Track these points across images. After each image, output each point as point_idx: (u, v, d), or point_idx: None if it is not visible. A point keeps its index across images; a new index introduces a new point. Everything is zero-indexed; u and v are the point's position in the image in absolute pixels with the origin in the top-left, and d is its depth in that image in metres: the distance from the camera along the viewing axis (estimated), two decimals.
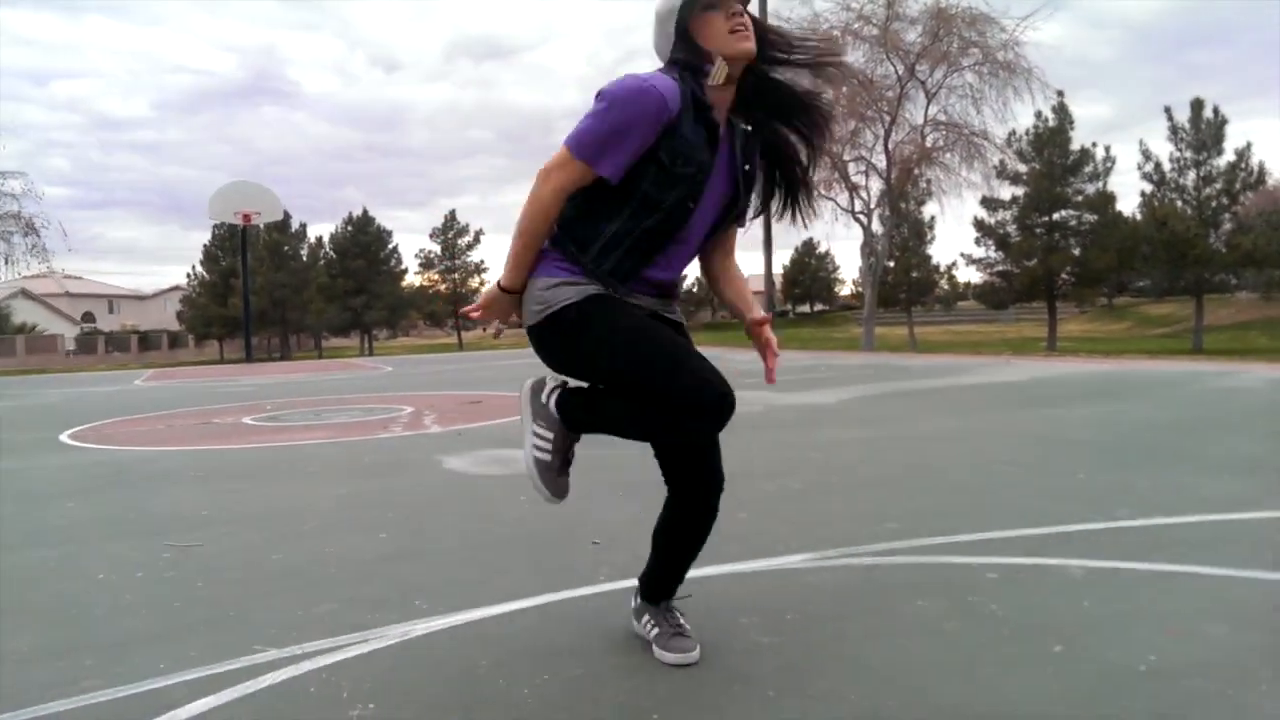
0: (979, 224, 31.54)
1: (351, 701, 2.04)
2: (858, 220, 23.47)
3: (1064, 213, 30.13)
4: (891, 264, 33.74)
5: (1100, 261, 29.17)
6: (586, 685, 2.10)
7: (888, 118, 22.09)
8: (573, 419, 2.12)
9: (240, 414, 9.27)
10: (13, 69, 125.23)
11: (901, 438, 6.12)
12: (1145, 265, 29.92)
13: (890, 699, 1.97)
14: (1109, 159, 29.93)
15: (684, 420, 1.92)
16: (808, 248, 63.38)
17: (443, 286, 52.25)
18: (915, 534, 3.36)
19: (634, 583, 2.39)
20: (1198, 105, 28.43)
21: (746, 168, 2.05)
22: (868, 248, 23.70)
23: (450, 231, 52.23)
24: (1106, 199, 30.02)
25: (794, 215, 2.22)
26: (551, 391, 2.15)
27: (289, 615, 2.67)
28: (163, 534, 3.81)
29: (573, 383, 2.15)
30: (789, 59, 2.05)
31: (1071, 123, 29.70)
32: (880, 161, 22.74)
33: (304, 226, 50.40)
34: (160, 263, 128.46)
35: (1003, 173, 26.85)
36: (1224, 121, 28.11)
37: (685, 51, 1.96)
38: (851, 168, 23.17)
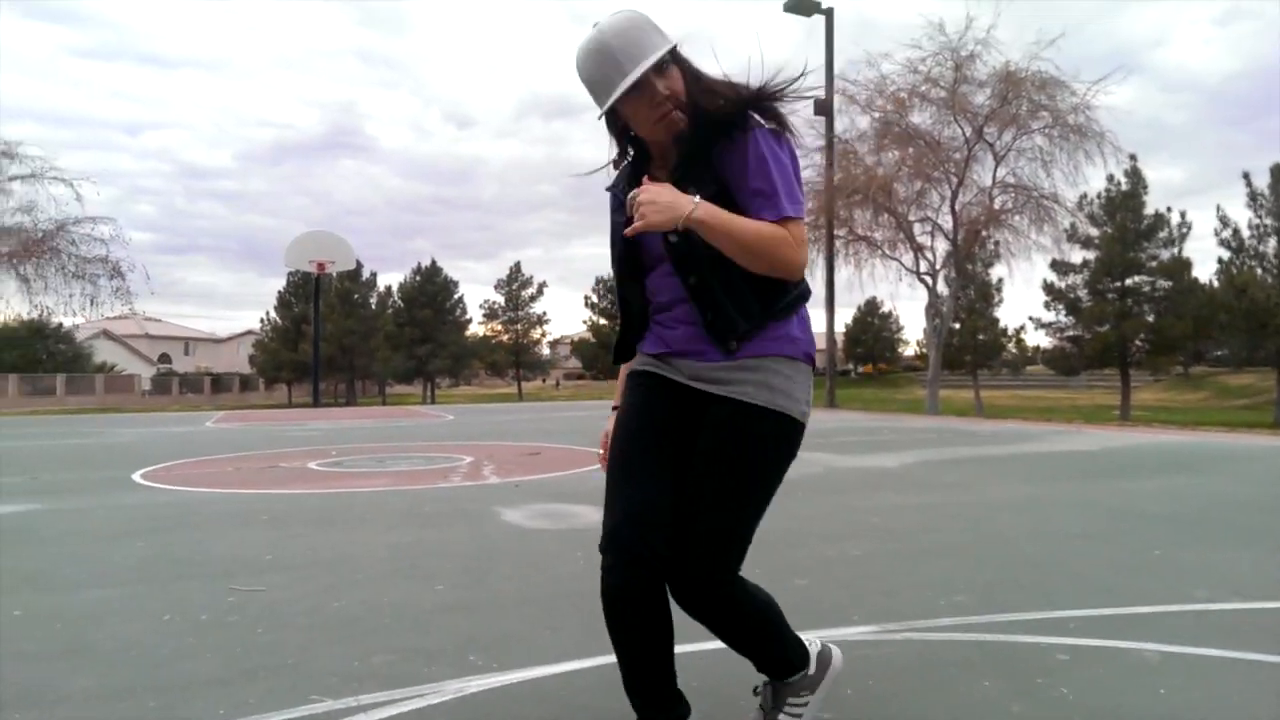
0: (1049, 287, 30.99)
1: None
2: (922, 281, 23.23)
3: (1137, 278, 29.46)
4: (957, 326, 33.26)
5: (1175, 329, 28.38)
6: None
7: (955, 179, 21.95)
8: None
9: (306, 458, 9.44)
10: (108, 120, 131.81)
11: (967, 505, 5.97)
12: (1223, 334, 29.00)
13: None
14: (1184, 224, 29.27)
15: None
16: (870, 307, 62.87)
17: (505, 337, 52.97)
18: (982, 609, 3.26)
19: (686, 647, 2.33)
20: (1277, 171, 27.73)
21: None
22: (933, 309, 23.41)
23: (515, 283, 53.10)
24: (1182, 265, 29.29)
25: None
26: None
27: (346, 665, 2.69)
28: (227, 577, 3.88)
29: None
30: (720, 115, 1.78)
31: (1145, 187, 29.18)
32: (946, 223, 22.55)
33: (374, 275, 51.76)
34: (236, 308, 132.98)
35: (1073, 236, 26.39)
36: None
37: (616, 139, 1.93)
38: (917, 228, 23.03)
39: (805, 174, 18.10)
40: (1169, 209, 29.38)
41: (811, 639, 2.09)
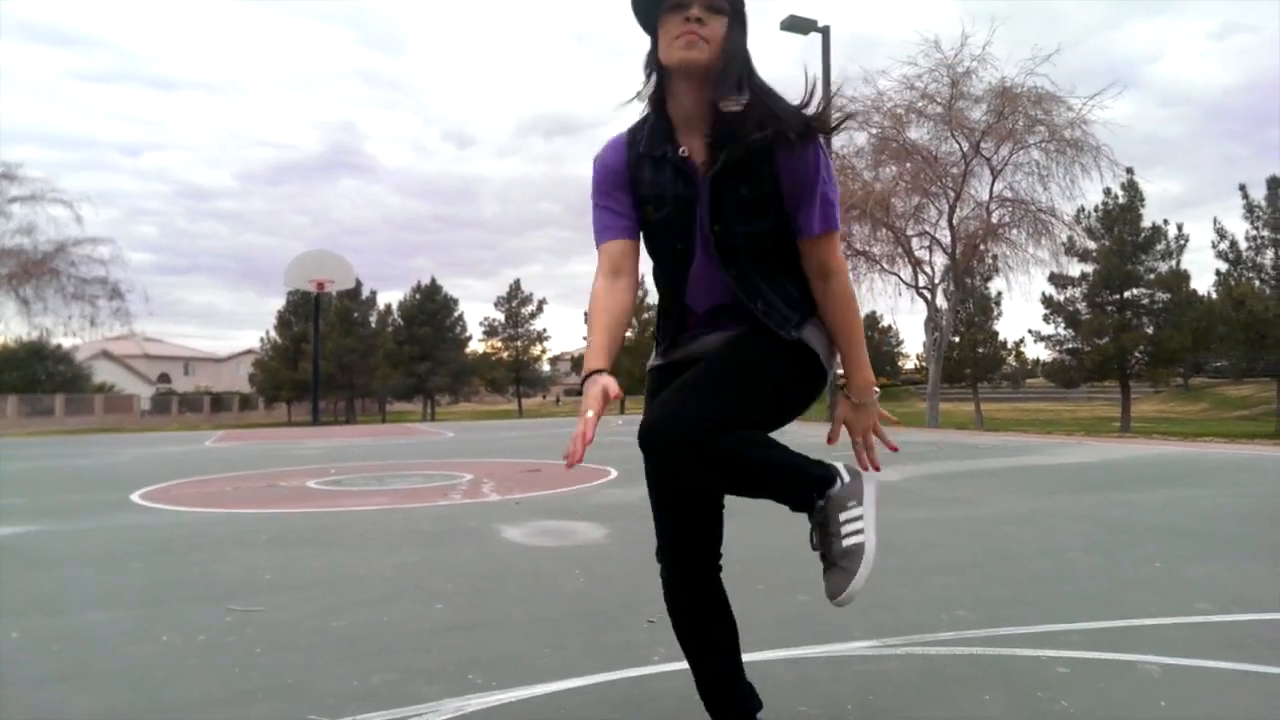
0: (1048, 300, 31.02)
1: None
2: (921, 295, 23.28)
3: (1136, 291, 29.47)
4: (957, 339, 33.27)
5: (1174, 341, 28.38)
6: None
7: (952, 194, 22.02)
8: None
9: (305, 477, 9.43)
10: (108, 141, 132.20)
11: (969, 519, 5.96)
12: (1222, 345, 29.00)
13: None
14: (1182, 237, 29.31)
15: None
16: (870, 321, 62.91)
17: (505, 354, 52.99)
18: (983, 623, 3.25)
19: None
20: (1274, 183, 27.79)
21: (743, 189, 1.76)
22: (932, 323, 23.45)
23: (515, 300, 53.16)
24: (1180, 277, 29.32)
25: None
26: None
27: (345, 685, 2.68)
28: (226, 598, 3.87)
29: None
30: (758, 134, 1.72)
31: (1142, 200, 29.22)
32: (945, 237, 22.61)
33: (374, 294, 51.88)
34: (236, 327, 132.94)
35: (1071, 249, 26.44)
36: None
37: (646, 67, 1.82)
38: (915, 243, 23.09)
39: None
40: (1166, 221, 29.42)
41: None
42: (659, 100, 1.82)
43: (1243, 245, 28.30)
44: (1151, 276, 29.36)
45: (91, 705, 2.56)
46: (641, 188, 1.82)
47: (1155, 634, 3.11)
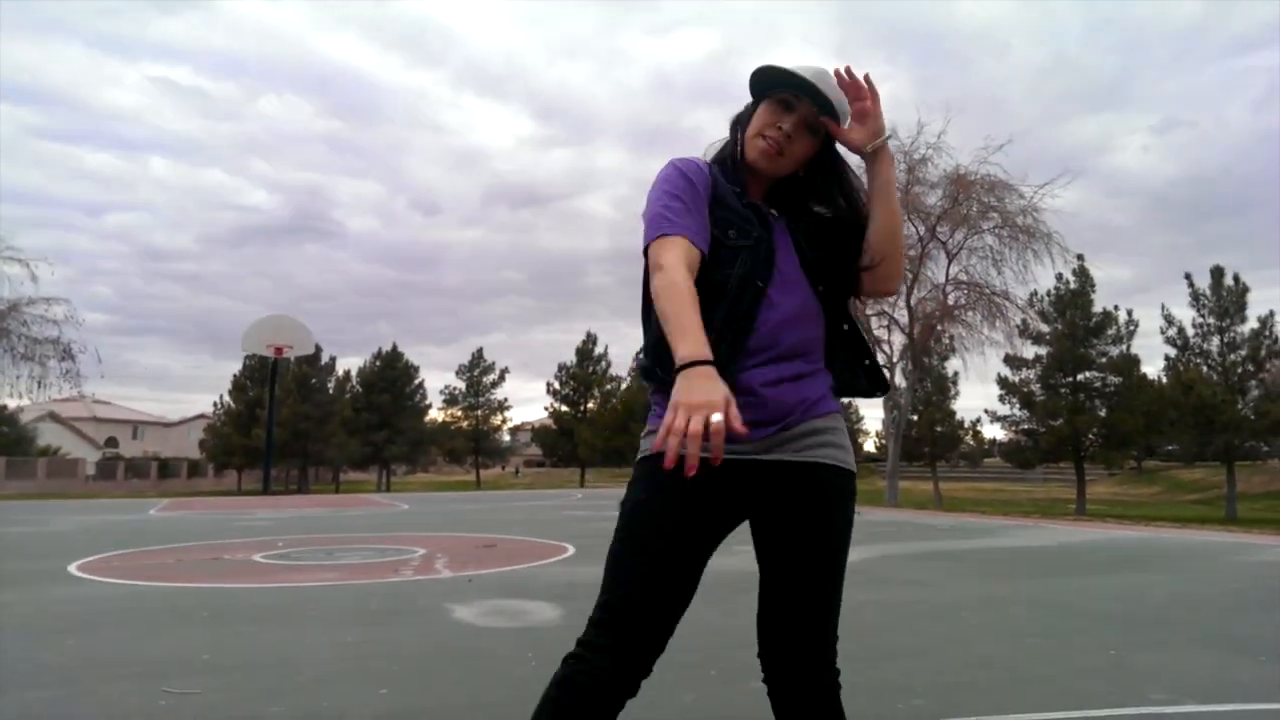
0: (1003, 381, 31.56)
1: None
2: None
3: (1088, 374, 30.10)
4: (915, 418, 33.62)
5: (1127, 424, 28.91)
6: None
7: (909, 275, 22.49)
8: None
9: (252, 550, 9.17)
10: (69, 200, 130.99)
11: (926, 603, 5.92)
12: (1173, 430, 29.61)
13: None
14: (1132, 322, 30.12)
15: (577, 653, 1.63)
16: None
17: (465, 423, 52.47)
18: (940, 712, 3.20)
19: None
20: (1218, 273, 28.75)
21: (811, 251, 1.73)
22: (890, 401, 23.70)
23: (476, 369, 52.87)
24: (1131, 362, 30.02)
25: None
26: None
27: None
28: (162, 678, 3.71)
29: None
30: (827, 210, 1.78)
31: (1093, 285, 30.05)
32: (903, 317, 23.03)
33: (333, 360, 51.35)
34: (188, 391, 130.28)
35: (1025, 332, 27.05)
36: (1245, 289, 28.33)
37: (732, 131, 1.79)
38: (874, 322, 23.47)
39: None
40: (1116, 307, 30.23)
41: None
42: (734, 153, 1.77)
43: (1190, 332, 29.09)
44: (1103, 360, 30.04)
45: None
46: (728, 212, 1.67)
47: None
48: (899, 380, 23.94)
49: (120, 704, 3.32)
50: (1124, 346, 30.18)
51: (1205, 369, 28.59)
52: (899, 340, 23.62)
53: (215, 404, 52.48)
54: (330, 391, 50.03)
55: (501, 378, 52.94)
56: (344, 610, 5.49)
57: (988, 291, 22.35)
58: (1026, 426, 31.56)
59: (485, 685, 3.68)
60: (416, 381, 52.05)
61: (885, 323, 23.62)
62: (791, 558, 1.63)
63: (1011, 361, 29.97)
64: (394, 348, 52.14)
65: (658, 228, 1.59)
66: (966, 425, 39.72)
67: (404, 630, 4.88)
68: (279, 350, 27.20)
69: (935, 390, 37.24)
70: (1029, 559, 8.70)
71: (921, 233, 22.10)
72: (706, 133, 1.99)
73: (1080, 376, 30.00)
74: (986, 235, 21.99)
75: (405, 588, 6.51)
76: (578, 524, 12.37)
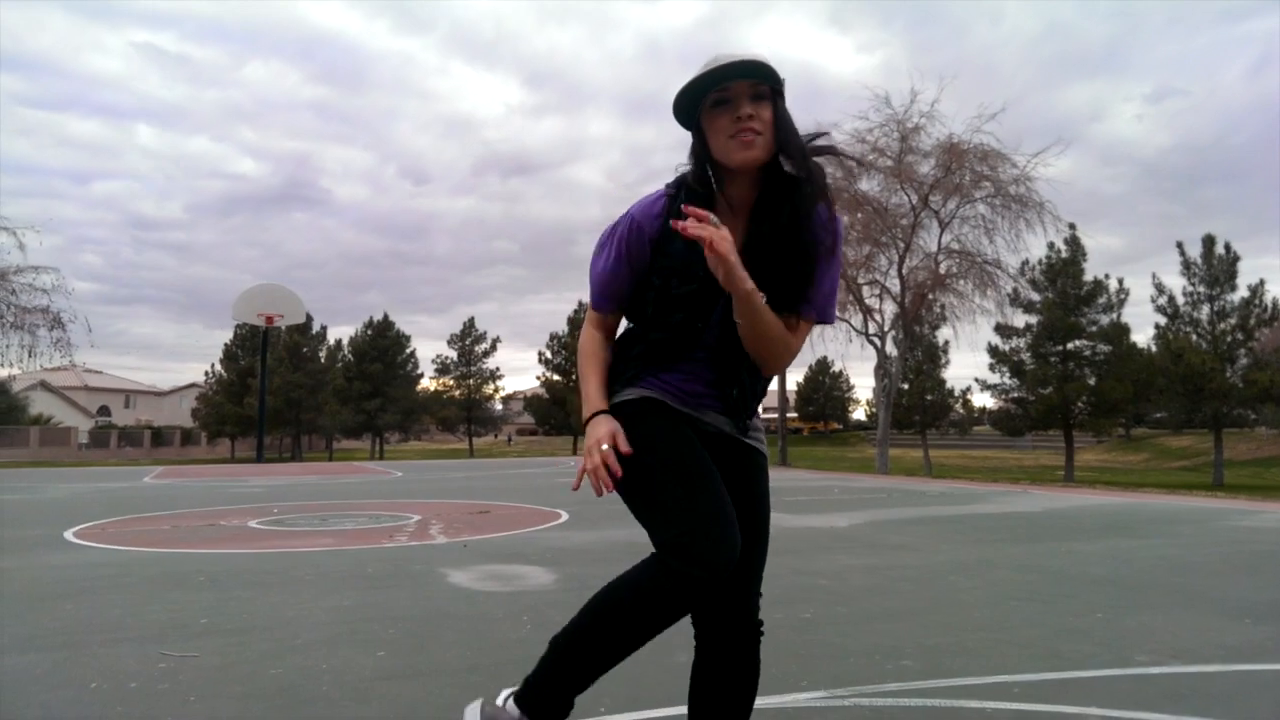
0: (993, 350, 31.68)
1: None
2: (871, 342, 23.65)
3: (1079, 342, 30.22)
4: (906, 386, 33.75)
5: (1116, 392, 29.09)
6: None
7: (902, 244, 22.49)
8: (544, 694, 1.72)
9: (247, 516, 9.22)
10: (55, 168, 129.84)
11: (916, 567, 6.00)
12: (1161, 397, 29.80)
13: None
14: (1122, 291, 30.19)
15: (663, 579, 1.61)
16: (821, 366, 63.62)
17: (457, 392, 52.50)
18: (929, 674, 3.26)
19: (639, 715, 2.30)
20: (1209, 241, 28.80)
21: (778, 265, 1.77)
22: (881, 370, 23.79)
23: (468, 338, 52.79)
24: (1121, 330, 30.13)
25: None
26: (506, 698, 1.77)
27: None
28: (160, 641, 3.75)
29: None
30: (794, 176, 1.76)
31: (1084, 254, 30.08)
32: (894, 286, 23.06)
33: (324, 329, 51.22)
34: (180, 360, 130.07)
35: (1016, 301, 27.12)
36: (1236, 258, 28.40)
37: (693, 158, 1.78)
38: (866, 291, 23.49)
39: None
40: (1107, 276, 30.28)
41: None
42: (702, 177, 1.78)
43: (1180, 300, 29.19)
44: (1094, 329, 30.14)
45: None
46: (670, 259, 1.76)
47: (1098, 685, 3.14)
48: (890, 348, 24.01)
49: (120, 667, 3.36)
50: (1114, 315, 30.28)
51: (1195, 337, 28.73)
52: (890, 309, 23.67)
53: (207, 373, 52.50)
54: (322, 360, 49.95)
55: (493, 347, 52.94)
56: (340, 575, 5.54)
57: (979, 260, 22.37)
58: (1016, 395, 31.72)
59: (481, 647, 3.73)
60: (408, 350, 52.06)
61: (877, 291, 23.66)
62: (752, 512, 1.84)
63: (1002, 330, 30.05)
64: (385, 317, 52.08)
65: (600, 290, 1.87)
66: (957, 394, 39.83)
67: (400, 594, 4.92)
68: (270, 319, 27.14)
69: (926, 359, 37.34)
70: (1017, 524, 8.80)
71: (914, 201, 22.07)
72: None
73: (1070, 345, 30.12)
74: (979, 204, 21.97)
75: (401, 553, 6.56)
76: (571, 491, 12.44)
